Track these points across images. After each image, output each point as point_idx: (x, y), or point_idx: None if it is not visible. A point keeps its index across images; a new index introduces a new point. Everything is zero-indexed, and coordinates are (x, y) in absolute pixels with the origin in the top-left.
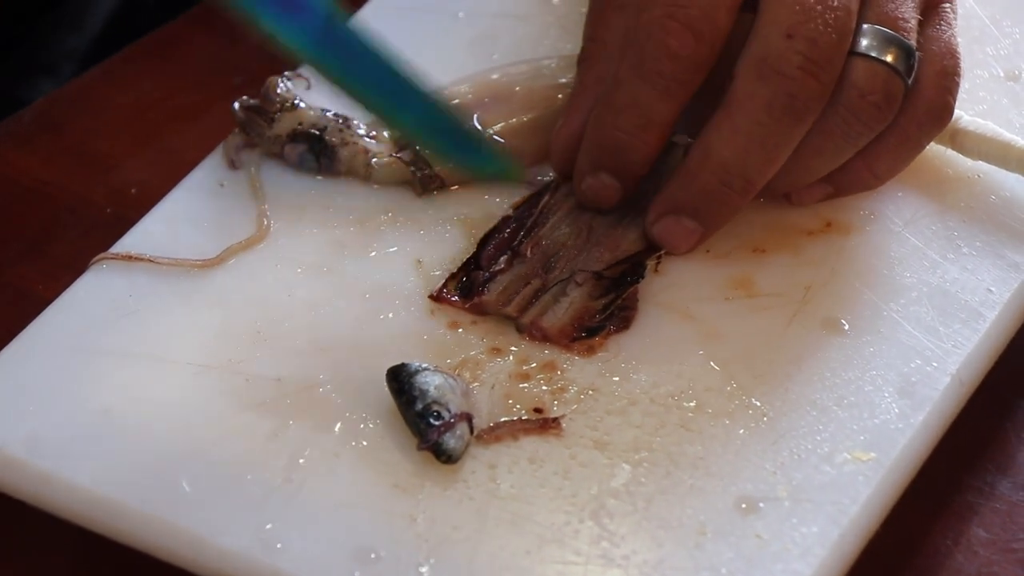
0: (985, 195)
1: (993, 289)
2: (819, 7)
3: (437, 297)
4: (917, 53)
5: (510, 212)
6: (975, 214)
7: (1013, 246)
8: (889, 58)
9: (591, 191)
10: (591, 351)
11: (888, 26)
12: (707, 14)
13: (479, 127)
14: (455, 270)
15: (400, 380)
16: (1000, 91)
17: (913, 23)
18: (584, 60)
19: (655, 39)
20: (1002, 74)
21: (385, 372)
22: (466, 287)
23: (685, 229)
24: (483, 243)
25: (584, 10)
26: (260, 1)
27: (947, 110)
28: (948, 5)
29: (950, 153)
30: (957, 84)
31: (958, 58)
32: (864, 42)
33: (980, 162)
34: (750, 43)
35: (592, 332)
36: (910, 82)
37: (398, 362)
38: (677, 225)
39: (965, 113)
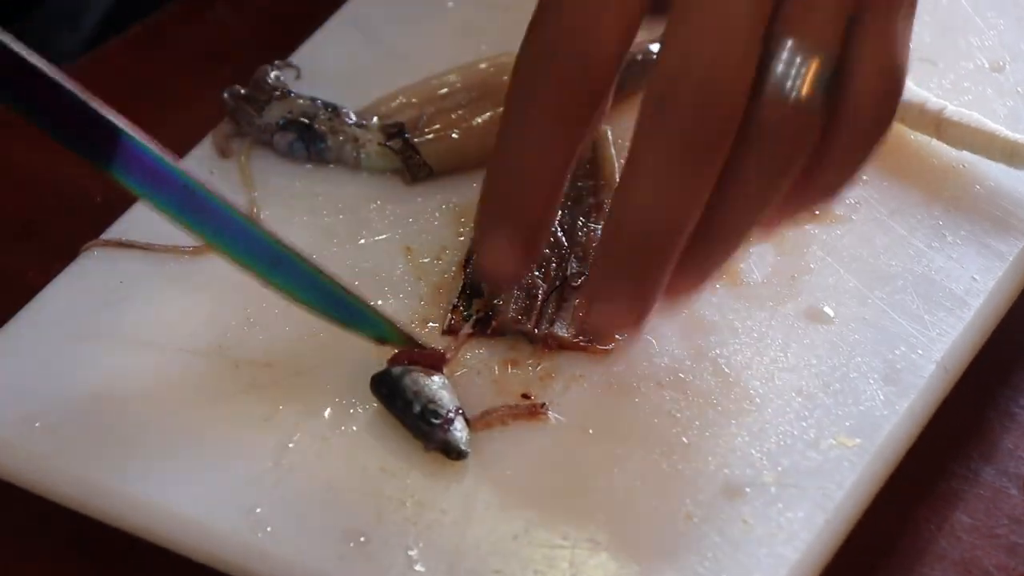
0: (970, 185)
1: (977, 278)
2: (706, 45)
3: (450, 331)
4: (832, 68)
5: None
6: (960, 204)
7: (997, 235)
8: (801, 79)
9: None
10: (607, 351)
11: (801, 38)
12: (596, 41)
13: (356, 292)
14: (455, 302)
15: (388, 385)
16: (985, 81)
17: (830, 32)
18: None
19: (539, 68)
20: (987, 65)
21: (373, 358)
22: (481, 320)
23: (616, 309)
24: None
25: None
26: (121, 170)
27: (871, 136)
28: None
29: (935, 143)
30: (888, 103)
31: (894, 65)
32: (774, 66)
33: (965, 152)
34: (647, 83)
35: None
36: (829, 97)
37: (386, 350)
38: (608, 305)
39: (949, 103)
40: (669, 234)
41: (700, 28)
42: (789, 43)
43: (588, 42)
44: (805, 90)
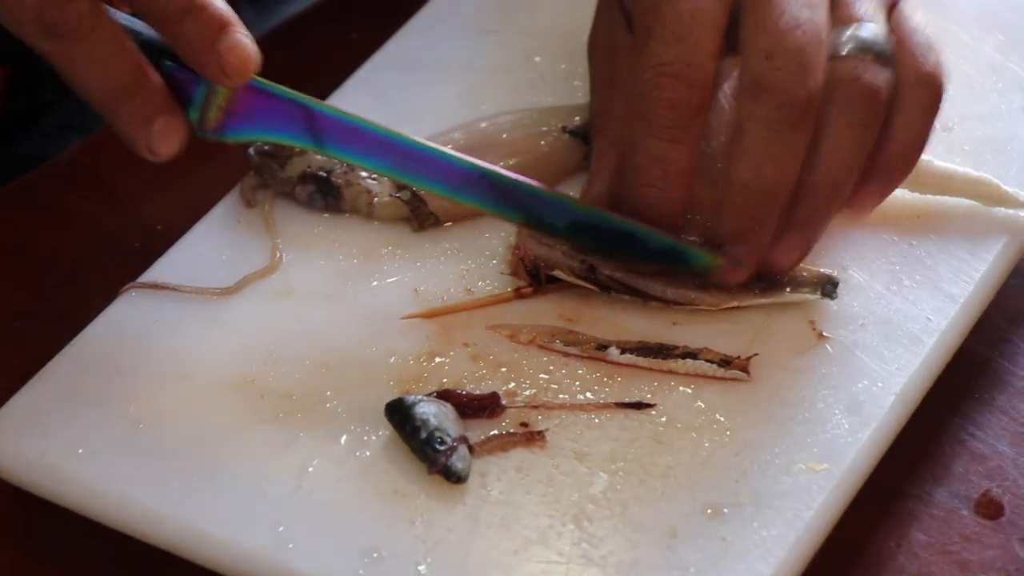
0: (924, 234)
1: (931, 318)
2: (791, 25)
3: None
4: (890, 36)
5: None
6: (915, 251)
7: (949, 280)
8: (866, 39)
9: None
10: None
11: (855, 17)
12: (691, 63)
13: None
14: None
15: (401, 412)
16: (935, 140)
17: (879, 18)
18: (597, 133)
19: (652, 96)
20: (938, 126)
21: (385, 390)
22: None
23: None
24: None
25: (563, 66)
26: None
27: (934, 75)
28: (904, 3)
29: (890, 197)
30: (936, 54)
31: (928, 35)
32: (840, 44)
33: (920, 205)
34: (741, 73)
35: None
36: (892, 66)
37: (397, 381)
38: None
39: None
40: (770, 203)
41: (781, 26)
42: (848, 28)
43: (690, 67)
44: (869, 48)
